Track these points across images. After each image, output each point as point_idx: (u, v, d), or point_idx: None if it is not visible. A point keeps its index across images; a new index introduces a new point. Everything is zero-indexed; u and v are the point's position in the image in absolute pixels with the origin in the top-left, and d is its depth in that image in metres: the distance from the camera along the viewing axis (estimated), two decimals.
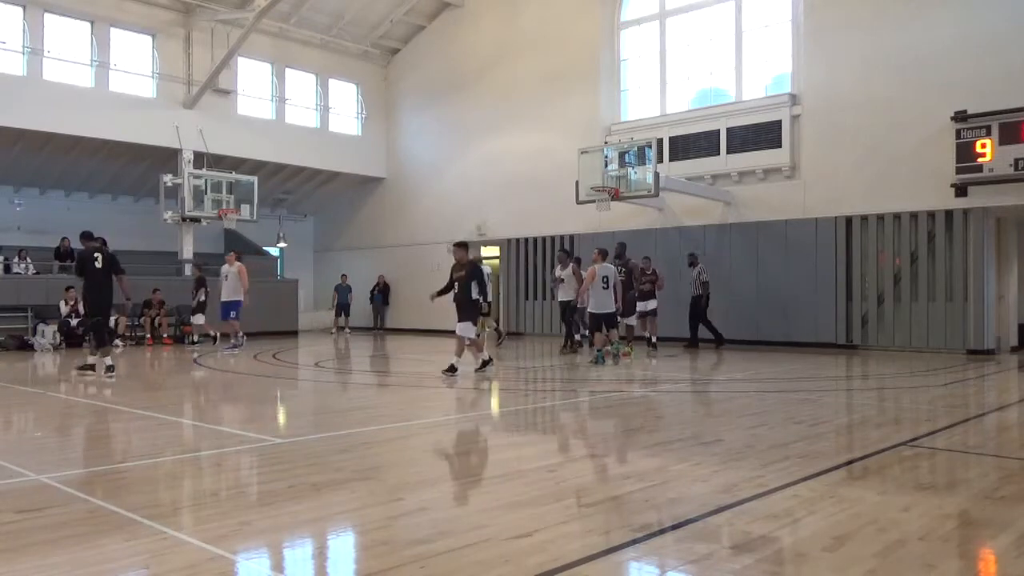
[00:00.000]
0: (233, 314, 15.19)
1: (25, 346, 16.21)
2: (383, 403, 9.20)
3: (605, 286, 12.26)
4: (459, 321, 10.62)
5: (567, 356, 13.99)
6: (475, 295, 10.50)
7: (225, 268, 15.31)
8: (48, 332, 16.26)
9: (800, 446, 5.68)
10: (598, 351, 12.19)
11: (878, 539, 3.52)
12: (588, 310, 12.54)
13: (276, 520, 3.92)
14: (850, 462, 5.34)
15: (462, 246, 10.91)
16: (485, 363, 10.66)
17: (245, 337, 15.44)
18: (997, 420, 7.43)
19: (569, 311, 14.71)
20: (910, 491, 4.49)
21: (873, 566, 3.18)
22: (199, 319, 17.16)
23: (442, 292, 10.91)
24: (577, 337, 15.00)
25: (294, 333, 21.45)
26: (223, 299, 15.13)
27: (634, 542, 3.51)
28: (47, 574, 3.13)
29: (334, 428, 6.75)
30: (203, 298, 16.93)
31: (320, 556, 3.55)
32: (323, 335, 22.11)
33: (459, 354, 10.55)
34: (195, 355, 14.42)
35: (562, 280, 14.69)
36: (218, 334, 16.65)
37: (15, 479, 4.74)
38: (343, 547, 3.77)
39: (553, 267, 16.94)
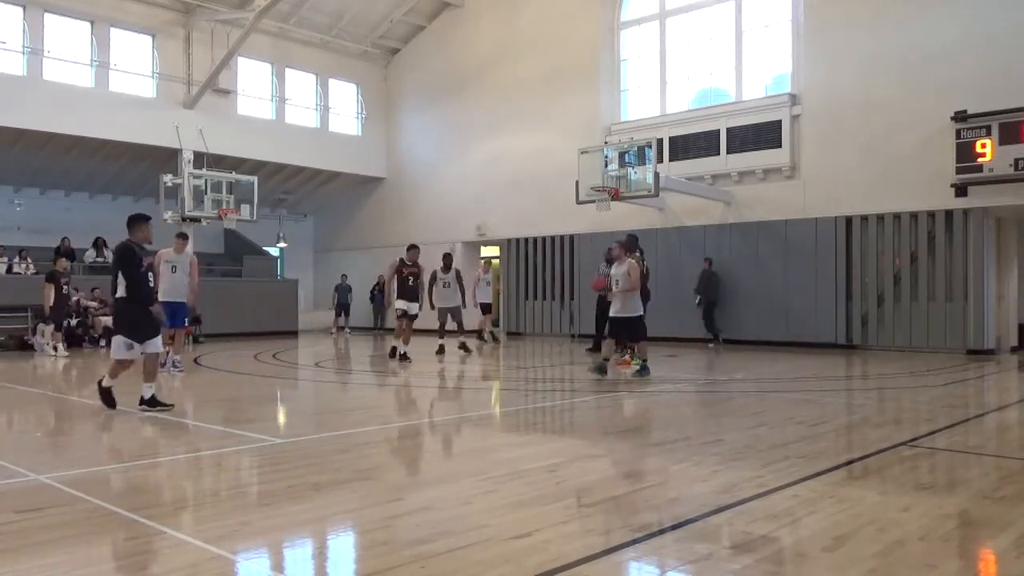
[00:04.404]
0: (186, 320, 11.69)
1: (25, 346, 16.21)
2: (383, 403, 9.21)
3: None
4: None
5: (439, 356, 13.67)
6: (120, 291, 7.32)
7: (169, 255, 10.83)
8: (48, 332, 16.25)
9: (800, 446, 5.68)
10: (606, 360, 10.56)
11: (878, 539, 3.52)
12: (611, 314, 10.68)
13: (276, 520, 3.92)
14: (850, 462, 5.33)
15: (137, 220, 7.63)
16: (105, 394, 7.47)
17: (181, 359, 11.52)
18: (997, 420, 7.43)
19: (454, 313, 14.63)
20: (910, 491, 4.49)
21: (873, 566, 3.18)
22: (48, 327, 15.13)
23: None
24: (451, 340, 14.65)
25: (294, 333, 21.45)
26: (169, 299, 10.52)
27: (634, 542, 3.51)
28: (47, 574, 3.13)
29: (334, 428, 6.74)
30: (49, 303, 14.66)
31: (320, 556, 3.55)
32: (323, 335, 22.11)
33: (114, 375, 7.47)
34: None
35: (447, 285, 14.40)
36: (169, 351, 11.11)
37: (15, 479, 4.74)
38: (343, 547, 3.77)
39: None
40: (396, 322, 13.31)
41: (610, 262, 11.91)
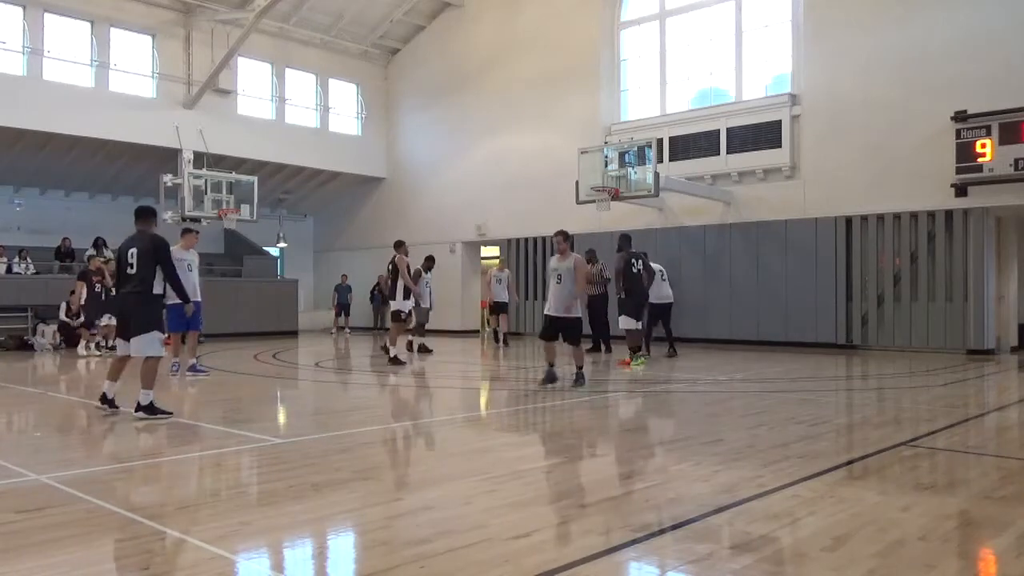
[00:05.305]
0: (201, 325, 10.98)
1: (25, 346, 16.19)
2: (383, 403, 9.21)
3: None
4: (132, 332, 7.01)
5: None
6: (157, 289, 6.96)
7: (180, 252, 10.15)
8: (48, 332, 16.25)
9: (800, 446, 5.67)
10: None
11: (878, 539, 3.52)
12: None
13: (276, 520, 3.92)
14: (850, 462, 5.34)
15: (151, 213, 7.31)
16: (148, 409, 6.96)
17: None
18: (997, 420, 7.43)
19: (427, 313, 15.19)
20: (910, 491, 4.49)
21: (873, 566, 3.18)
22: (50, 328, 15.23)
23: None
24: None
25: (294, 333, 21.45)
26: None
27: (634, 542, 3.51)
28: (47, 574, 3.13)
29: (334, 428, 6.74)
30: (81, 302, 14.65)
31: (320, 556, 3.55)
32: (323, 335, 22.11)
33: (150, 387, 6.97)
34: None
35: (428, 285, 15.07)
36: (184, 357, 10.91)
37: (15, 479, 4.74)
38: (343, 547, 3.77)
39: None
40: (399, 322, 13.27)
41: (590, 261, 12.16)
